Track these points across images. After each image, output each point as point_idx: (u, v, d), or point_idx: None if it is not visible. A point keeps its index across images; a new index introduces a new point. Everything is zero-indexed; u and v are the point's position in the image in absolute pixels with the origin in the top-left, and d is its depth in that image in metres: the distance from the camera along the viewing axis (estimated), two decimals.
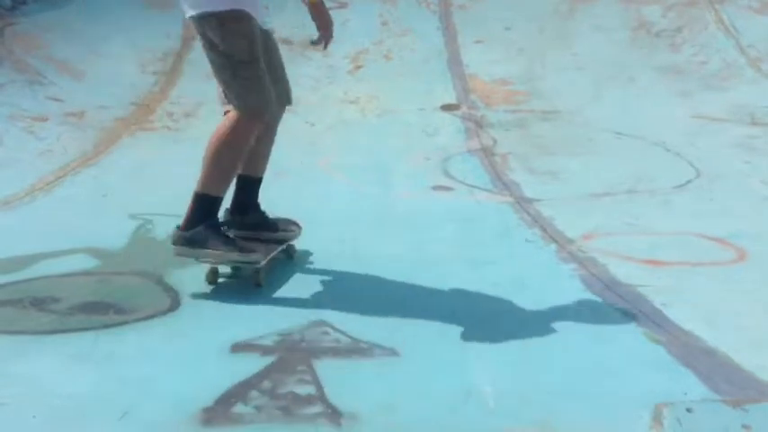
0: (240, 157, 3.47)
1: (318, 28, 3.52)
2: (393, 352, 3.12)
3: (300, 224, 4.04)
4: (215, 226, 3.45)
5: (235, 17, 3.33)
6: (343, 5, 9.51)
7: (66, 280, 3.86)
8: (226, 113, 3.47)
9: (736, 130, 6.88)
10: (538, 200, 5.27)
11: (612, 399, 2.78)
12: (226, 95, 3.47)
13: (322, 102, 7.73)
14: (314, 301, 3.64)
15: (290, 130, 7.05)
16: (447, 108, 7.66)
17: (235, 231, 3.69)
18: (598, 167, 6.03)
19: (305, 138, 6.88)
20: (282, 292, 3.79)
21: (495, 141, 6.75)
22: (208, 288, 3.76)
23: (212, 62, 3.51)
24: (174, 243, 3.46)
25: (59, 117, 6.92)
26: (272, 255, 3.68)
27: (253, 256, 3.49)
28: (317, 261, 4.22)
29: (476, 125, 7.19)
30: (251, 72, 3.37)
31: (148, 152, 6.45)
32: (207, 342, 3.22)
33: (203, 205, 3.41)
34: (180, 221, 3.59)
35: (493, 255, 4.33)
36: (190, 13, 3.44)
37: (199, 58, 8.45)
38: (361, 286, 3.88)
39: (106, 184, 5.63)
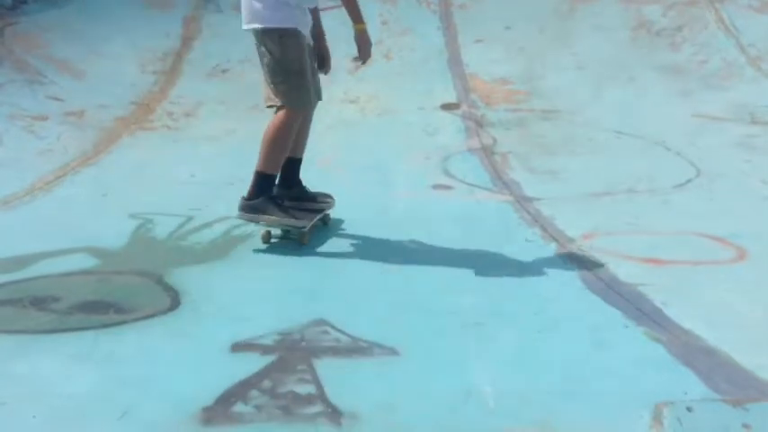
0: (288, 142, 4.25)
1: (359, 49, 4.42)
2: (393, 351, 3.12)
3: (334, 197, 4.70)
4: (272, 197, 4.23)
5: (292, 34, 4.10)
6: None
7: (66, 279, 3.87)
8: (269, 107, 4.26)
9: (737, 129, 6.88)
10: (538, 199, 5.27)
11: (612, 398, 2.78)
12: (275, 94, 4.17)
13: (322, 101, 7.70)
14: (314, 301, 3.64)
15: None
16: (447, 107, 7.66)
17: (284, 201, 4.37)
18: (598, 167, 6.03)
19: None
20: (282, 290, 3.80)
21: (495, 141, 6.75)
22: (207, 288, 3.77)
23: (267, 66, 4.17)
24: (240, 210, 4.23)
25: (59, 116, 6.92)
26: (314, 221, 4.38)
27: (300, 222, 4.24)
28: (319, 259, 4.22)
29: (476, 124, 7.19)
30: (298, 79, 4.14)
31: (148, 151, 6.45)
32: (207, 342, 3.22)
33: (262, 181, 4.21)
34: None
35: (493, 254, 4.32)
36: (254, 26, 4.21)
37: (198, 57, 8.53)
38: (361, 286, 3.88)
39: (106, 184, 5.63)
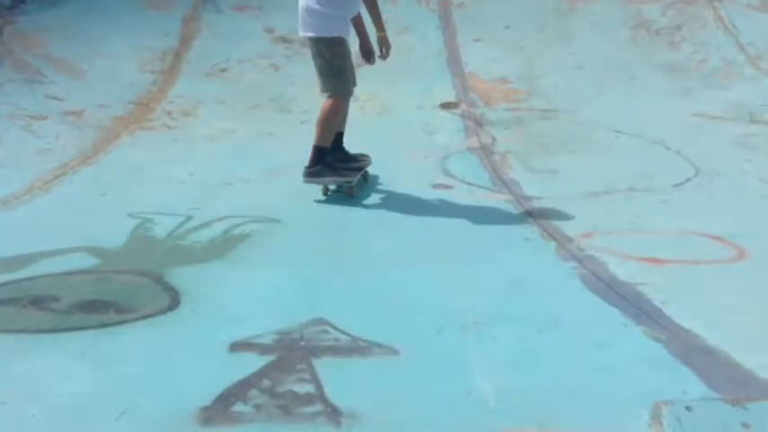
0: (337, 122, 5.34)
1: (381, 51, 5.36)
2: (393, 351, 3.12)
3: (370, 155, 5.67)
4: (327, 163, 5.25)
5: (338, 42, 5.13)
6: None
7: (65, 279, 3.86)
8: (323, 93, 5.32)
9: (736, 128, 6.88)
10: (537, 198, 5.26)
11: (612, 398, 2.78)
12: (325, 86, 5.26)
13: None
14: (313, 300, 3.64)
15: (289, 128, 7.09)
16: (446, 106, 7.66)
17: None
18: (597, 166, 6.03)
19: (304, 136, 6.86)
20: (281, 290, 3.80)
21: (494, 140, 6.74)
22: (207, 287, 3.77)
23: (320, 67, 5.21)
24: (304, 176, 5.23)
25: (59, 116, 6.91)
26: (357, 177, 5.40)
27: (348, 178, 5.32)
28: (318, 258, 4.22)
29: (475, 123, 7.18)
30: (343, 76, 5.19)
31: (147, 151, 6.44)
32: (206, 341, 3.22)
33: (319, 152, 5.22)
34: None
35: (492, 254, 4.33)
36: (310, 34, 5.16)
37: (197, 57, 8.52)
38: (361, 285, 3.88)
39: (105, 183, 5.63)
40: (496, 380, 2.89)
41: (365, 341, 3.19)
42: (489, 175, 5.88)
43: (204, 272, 3.99)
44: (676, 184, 5.57)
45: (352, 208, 5.18)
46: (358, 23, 5.42)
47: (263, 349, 3.11)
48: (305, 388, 2.81)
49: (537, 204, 5.14)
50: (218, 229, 4.64)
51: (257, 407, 2.69)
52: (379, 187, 5.63)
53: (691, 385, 2.83)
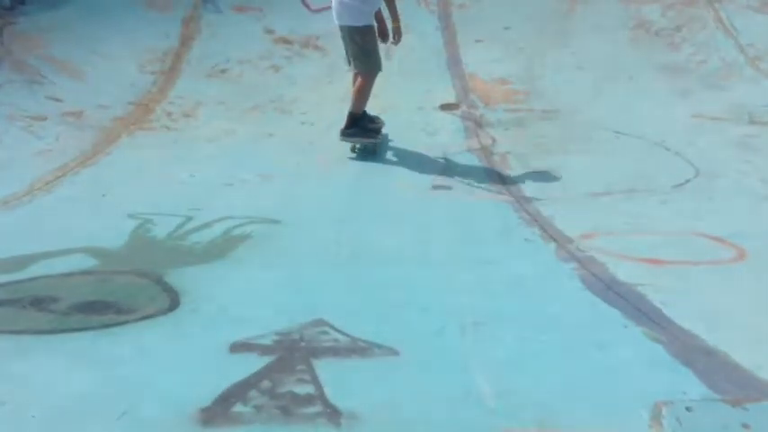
0: (368, 95, 6.34)
1: (394, 38, 6.33)
2: (393, 352, 3.12)
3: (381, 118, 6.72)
4: (359, 126, 6.32)
5: (370, 29, 6.17)
6: None
7: (65, 280, 3.86)
8: (355, 75, 6.35)
9: (736, 129, 6.88)
10: (537, 199, 5.27)
11: (612, 398, 2.78)
12: (357, 67, 6.25)
13: (321, 101, 7.72)
14: (313, 301, 3.64)
15: (289, 129, 7.10)
16: (446, 107, 7.66)
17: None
18: (597, 167, 6.03)
19: (304, 137, 6.88)
20: (281, 290, 3.80)
21: (494, 140, 6.75)
22: (207, 288, 3.77)
23: (353, 50, 6.19)
24: (341, 135, 6.32)
25: (58, 117, 6.91)
26: (380, 137, 6.52)
27: (374, 139, 6.44)
28: (318, 259, 4.22)
29: (475, 124, 7.19)
30: (373, 57, 6.23)
31: (147, 152, 6.45)
32: (206, 342, 3.22)
33: (353, 118, 6.29)
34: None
35: (492, 254, 4.33)
36: (346, 23, 6.12)
37: (197, 58, 8.52)
38: (361, 286, 3.88)
39: (105, 184, 5.63)
40: (496, 380, 2.89)
41: (365, 342, 3.19)
42: (489, 175, 5.88)
43: (204, 272, 3.99)
44: (676, 185, 5.57)
45: (353, 208, 5.19)
46: (377, 14, 6.34)
47: (263, 350, 3.11)
48: (305, 389, 2.81)
49: (537, 205, 5.14)
50: (218, 229, 4.64)
51: (257, 408, 2.69)
52: (380, 187, 5.64)
53: (691, 386, 2.83)
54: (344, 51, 6.39)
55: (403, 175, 5.93)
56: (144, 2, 9.29)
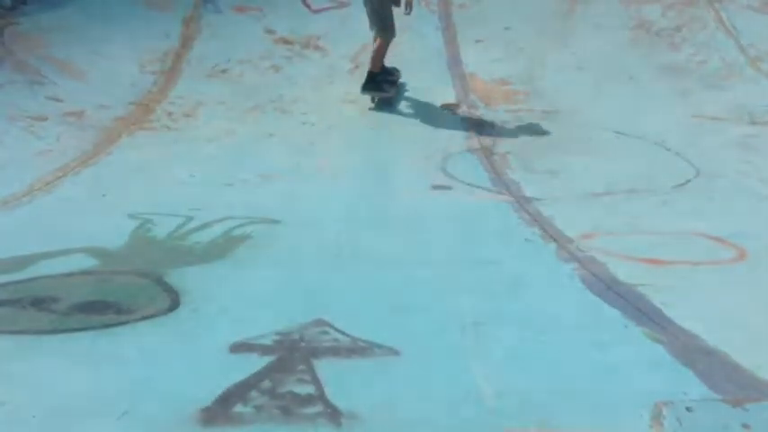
0: (383, 55, 7.36)
1: (406, 9, 7.18)
2: (393, 352, 3.12)
3: (399, 69, 7.88)
4: (377, 80, 7.40)
5: None
6: (343, 5, 9.51)
7: (65, 280, 3.86)
8: (374, 38, 7.37)
9: (736, 129, 6.88)
10: (537, 199, 5.27)
11: (612, 398, 2.78)
12: (375, 31, 7.32)
13: (321, 101, 7.72)
14: (313, 301, 3.64)
15: (289, 129, 7.10)
16: (447, 107, 7.66)
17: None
18: (598, 167, 6.03)
19: (304, 137, 6.89)
20: (282, 291, 3.80)
21: (494, 141, 6.75)
22: (207, 288, 3.77)
23: (371, 16, 7.28)
24: (362, 89, 7.42)
25: (59, 117, 6.91)
26: (395, 91, 7.65)
27: (390, 92, 7.55)
28: (318, 259, 4.22)
29: (475, 124, 7.19)
30: (388, 21, 7.21)
31: (148, 152, 6.45)
32: (206, 342, 3.22)
33: (372, 75, 7.35)
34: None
35: (493, 254, 4.33)
36: None
37: (198, 58, 8.52)
38: (361, 286, 3.88)
39: (106, 184, 5.63)
40: (496, 380, 2.89)
41: (365, 342, 3.19)
42: (489, 175, 5.89)
43: (205, 272, 3.99)
44: (676, 185, 5.57)
45: (353, 208, 5.19)
46: None
47: (263, 350, 3.11)
48: (305, 389, 2.81)
49: (537, 205, 5.14)
50: (218, 229, 4.64)
51: (257, 408, 2.69)
52: (380, 187, 5.64)
53: (691, 386, 2.83)
54: (367, 17, 7.38)
55: (403, 176, 5.92)
56: (144, 2, 9.28)
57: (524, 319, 3.46)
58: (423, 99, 7.80)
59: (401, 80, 7.88)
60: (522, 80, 8.22)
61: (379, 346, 3.15)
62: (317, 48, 8.84)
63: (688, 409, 2.60)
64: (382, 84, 7.43)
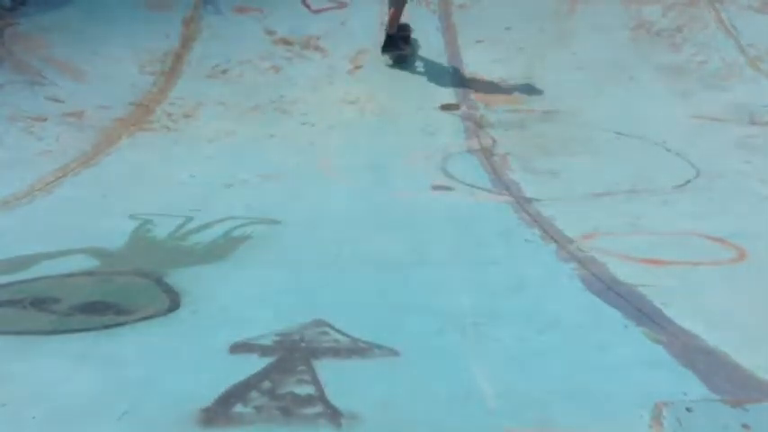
0: (398, 20, 8.29)
1: None
2: (393, 352, 3.12)
3: (410, 25, 8.79)
4: (394, 39, 8.36)
5: None
6: (342, 6, 9.51)
7: (66, 280, 3.86)
8: (390, 9, 8.30)
9: (736, 129, 6.88)
10: (538, 200, 5.27)
11: (612, 399, 2.78)
12: (389, 2, 8.38)
13: (321, 102, 7.73)
14: (313, 302, 3.64)
15: (289, 129, 7.10)
16: (446, 108, 7.66)
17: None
18: (598, 167, 6.03)
19: (304, 138, 6.89)
20: (282, 291, 3.80)
21: (494, 141, 6.75)
22: (207, 288, 3.77)
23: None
24: (381, 51, 8.43)
25: (59, 117, 6.92)
26: (409, 47, 8.57)
27: (405, 51, 8.51)
28: (318, 259, 4.22)
29: (475, 125, 7.19)
30: None
31: (148, 152, 6.45)
32: (206, 342, 3.22)
33: (388, 37, 8.31)
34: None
35: (493, 255, 4.33)
36: None
37: (198, 58, 8.53)
38: (361, 286, 3.88)
39: (106, 185, 5.63)
40: (497, 380, 2.89)
41: (365, 342, 3.19)
42: (489, 176, 5.88)
43: (205, 273, 3.99)
44: (677, 186, 5.57)
45: (353, 208, 5.19)
46: None
47: (263, 350, 3.11)
48: (305, 389, 2.81)
49: (537, 205, 5.14)
50: (218, 230, 4.65)
51: (258, 408, 2.69)
52: (380, 188, 5.64)
53: (691, 386, 2.83)
54: None
55: (403, 176, 5.92)
56: (144, 2, 9.29)
57: (524, 319, 3.46)
58: (423, 99, 7.80)
59: (413, 36, 8.73)
60: (522, 80, 8.22)
61: (379, 347, 3.15)
62: (316, 48, 8.85)
63: (688, 409, 2.60)
64: (398, 42, 8.42)
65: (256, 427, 2.59)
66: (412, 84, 8.10)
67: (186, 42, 8.87)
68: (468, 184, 5.69)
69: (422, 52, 8.88)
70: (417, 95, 7.88)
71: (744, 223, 4.72)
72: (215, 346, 3.16)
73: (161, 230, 4.63)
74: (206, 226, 4.71)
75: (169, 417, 2.65)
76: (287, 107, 7.64)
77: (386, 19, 8.49)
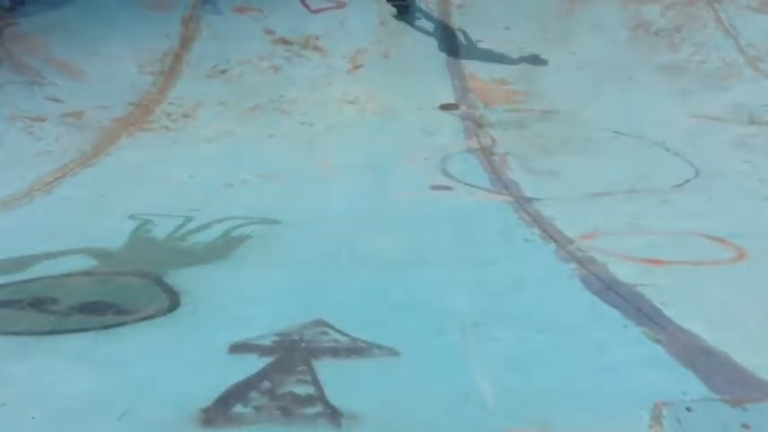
0: None
1: None
2: (393, 352, 3.12)
3: None
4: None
5: None
6: (341, 5, 9.51)
7: (65, 280, 3.86)
8: None
9: (735, 129, 6.89)
10: (537, 199, 5.27)
11: (612, 398, 2.78)
12: None
13: (321, 102, 7.73)
14: (313, 301, 3.63)
15: (289, 129, 7.10)
16: (446, 107, 7.66)
17: None
18: (597, 167, 6.03)
19: (304, 138, 6.89)
20: (281, 291, 3.79)
21: (494, 141, 6.75)
22: (207, 288, 3.77)
23: None
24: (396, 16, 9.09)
25: (58, 117, 6.91)
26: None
27: (407, 1, 9.07)
28: (318, 259, 4.22)
29: (475, 125, 7.19)
30: None
31: (147, 152, 6.45)
32: (206, 342, 3.22)
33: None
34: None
35: (492, 254, 4.33)
36: None
37: (197, 58, 8.52)
38: (361, 286, 3.88)
39: (105, 185, 5.63)
40: (496, 380, 2.89)
41: (365, 342, 3.19)
42: (489, 176, 5.88)
43: (204, 273, 3.99)
44: (676, 185, 5.57)
45: (353, 208, 5.18)
46: None
47: (263, 351, 3.11)
48: (305, 389, 2.81)
49: (537, 205, 5.14)
50: (218, 230, 4.64)
51: (257, 408, 2.69)
52: (380, 187, 5.63)
53: (691, 386, 2.83)
54: None
55: (403, 176, 5.92)
56: (144, 2, 9.29)
57: (524, 319, 3.45)
58: (423, 99, 7.80)
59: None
60: (521, 80, 8.22)
61: (379, 347, 3.15)
62: (315, 48, 8.85)
63: (688, 409, 2.60)
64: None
65: (256, 427, 2.59)
66: (411, 83, 8.10)
67: (186, 42, 8.87)
68: (467, 184, 5.69)
69: (422, 53, 8.88)
70: (417, 95, 7.88)
71: (743, 223, 4.72)
72: (215, 346, 3.16)
73: (160, 231, 4.63)
74: (206, 226, 4.70)
75: (169, 416, 2.65)
76: (286, 107, 7.64)
77: (385, 19, 8.59)
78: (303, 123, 7.27)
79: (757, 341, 3.22)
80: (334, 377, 2.89)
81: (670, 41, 8.81)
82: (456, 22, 9.47)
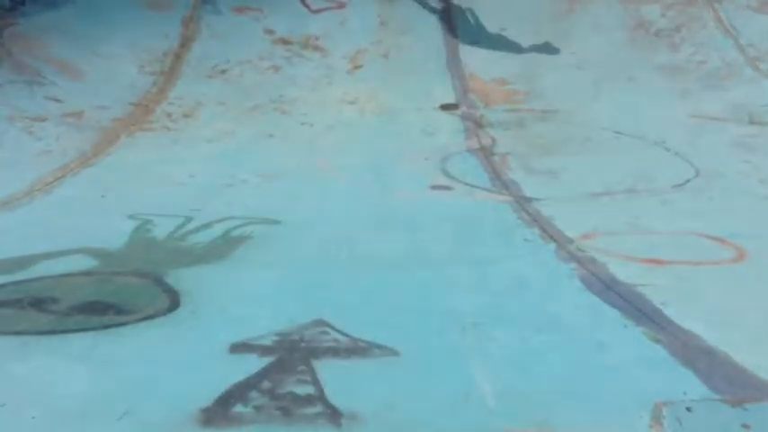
0: None
1: None
2: (393, 352, 3.11)
3: None
4: None
5: None
6: (341, 5, 9.51)
7: (65, 280, 3.86)
8: None
9: (735, 129, 6.89)
10: (537, 199, 5.27)
11: (612, 398, 2.78)
12: None
13: (321, 102, 7.73)
14: (313, 301, 3.63)
15: (289, 129, 7.10)
16: (446, 108, 7.66)
17: None
18: (597, 167, 6.03)
19: (304, 138, 6.89)
20: (281, 291, 3.79)
21: (494, 141, 6.75)
22: (207, 288, 3.77)
23: None
24: None
25: (58, 117, 6.92)
26: None
27: None
28: (318, 259, 4.22)
29: (475, 125, 7.19)
30: None
31: (147, 152, 6.45)
32: (206, 342, 3.22)
33: None
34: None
35: (492, 254, 4.32)
36: None
37: (197, 58, 8.52)
38: (361, 286, 3.88)
39: (105, 185, 5.63)
40: (496, 380, 2.89)
41: (365, 342, 3.19)
42: (489, 175, 5.89)
43: (204, 273, 3.99)
44: (676, 185, 5.57)
45: (352, 208, 5.18)
46: None
47: (263, 350, 3.11)
48: (305, 389, 2.80)
49: (537, 205, 5.14)
50: (218, 230, 4.64)
51: (257, 408, 2.69)
52: (380, 187, 5.64)
53: (691, 386, 2.83)
54: None
55: (403, 176, 5.92)
56: (144, 2, 9.29)
57: (524, 319, 3.45)
58: (423, 99, 7.80)
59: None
60: (521, 80, 8.23)
61: (379, 347, 3.15)
62: (315, 48, 8.85)
63: (688, 409, 2.60)
64: None
65: (256, 427, 2.59)
66: (411, 83, 8.10)
67: (186, 42, 8.87)
68: (467, 184, 5.69)
69: (422, 53, 8.87)
70: (417, 95, 7.88)
71: (743, 223, 4.72)
72: (215, 346, 3.16)
73: (161, 231, 4.63)
74: (206, 226, 4.71)
75: (169, 416, 2.65)
76: (286, 107, 7.64)
77: (385, 19, 8.48)
78: (303, 123, 7.27)
79: (757, 341, 3.22)
80: (334, 377, 2.89)
81: (670, 41, 8.81)
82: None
